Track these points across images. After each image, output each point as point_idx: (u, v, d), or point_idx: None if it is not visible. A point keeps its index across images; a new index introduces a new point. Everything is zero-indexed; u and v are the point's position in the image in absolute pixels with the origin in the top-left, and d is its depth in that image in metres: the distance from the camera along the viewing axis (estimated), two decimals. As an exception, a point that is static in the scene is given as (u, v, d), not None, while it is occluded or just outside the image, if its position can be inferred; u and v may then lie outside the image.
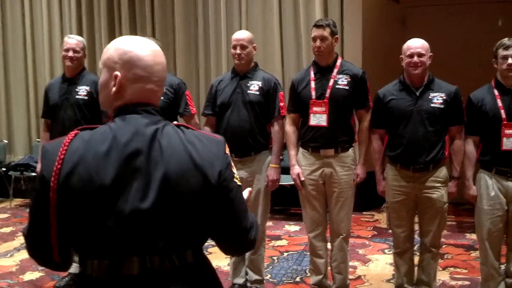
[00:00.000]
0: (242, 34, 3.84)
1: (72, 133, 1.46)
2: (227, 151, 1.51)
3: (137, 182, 1.40)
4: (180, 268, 1.45)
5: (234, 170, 1.52)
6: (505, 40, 3.32)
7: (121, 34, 7.04)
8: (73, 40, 4.13)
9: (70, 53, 4.06)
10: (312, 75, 3.68)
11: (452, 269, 4.40)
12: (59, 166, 1.40)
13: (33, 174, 6.92)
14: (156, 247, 1.42)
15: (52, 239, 1.43)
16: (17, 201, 7.41)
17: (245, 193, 1.62)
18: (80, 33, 7.15)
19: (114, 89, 1.49)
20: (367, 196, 5.67)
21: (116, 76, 1.48)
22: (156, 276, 1.43)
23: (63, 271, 1.51)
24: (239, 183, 1.52)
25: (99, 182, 1.38)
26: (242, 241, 1.57)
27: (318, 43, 3.59)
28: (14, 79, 7.75)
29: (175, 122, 1.56)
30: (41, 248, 1.47)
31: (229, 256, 3.89)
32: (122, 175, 1.39)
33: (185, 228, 1.45)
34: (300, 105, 3.70)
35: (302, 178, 3.66)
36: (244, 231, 1.54)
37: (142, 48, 1.50)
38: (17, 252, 5.14)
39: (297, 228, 5.73)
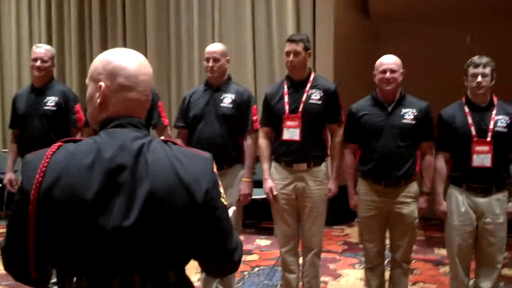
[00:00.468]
0: (215, 47, 3.82)
1: (56, 145, 1.42)
2: (215, 169, 1.48)
3: (120, 198, 1.36)
4: (163, 287, 1.42)
5: (221, 189, 1.49)
6: (475, 58, 3.37)
7: (91, 44, 6.98)
8: (41, 49, 4.05)
9: (38, 63, 3.99)
10: (286, 89, 3.69)
11: (421, 284, 4.42)
12: (40, 178, 1.36)
13: (-1, 185, 6.75)
14: (137, 266, 1.39)
15: (29, 253, 1.39)
16: (-19, 213, 7.21)
17: (230, 212, 1.58)
18: (49, 43, 7.04)
19: (98, 100, 1.46)
20: (337, 210, 5.67)
21: (100, 87, 1.46)
22: None
23: None
24: (225, 202, 1.49)
25: (81, 196, 1.34)
26: (226, 262, 1.52)
27: (291, 57, 3.60)
28: (-21, 88, 7.58)
29: (162, 138, 1.53)
30: (17, 262, 1.43)
31: (199, 271, 3.83)
32: (105, 191, 1.35)
33: (169, 247, 1.41)
34: (273, 119, 3.70)
35: (275, 193, 3.65)
36: (229, 252, 1.50)
37: (127, 58, 1.48)
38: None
39: (268, 242, 5.71)
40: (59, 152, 1.40)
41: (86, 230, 1.35)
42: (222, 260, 1.51)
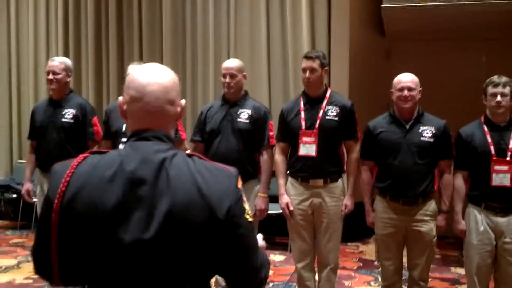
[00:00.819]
0: (232, 63, 3.86)
1: (82, 156, 1.44)
2: (240, 184, 1.45)
3: (140, 211, 1.35)
4: None
5: (246, 206, 1.45)
6: (495, 78, 3.38)
7: (107, 59, 7.04)
8: (54, 62, 4.11)
9: (50, 75, 4.05)
10: (302, 105, 3.71)
11: (438, 303, 4.39)
12: (63, 188, 1.38)
13: (14, 195, 6.81)
14: (156, 280, 1.37)
15: (52, 260, 1.40)
16: (-4, 223, 7.27)
17: (259, 238, 1.57)
18: (66, 55, 7.10)
19: (121, 115, 1.51)
20: (352, 227, 5.66)
21: (119, 102, 1.50)
22: None
23: None
24: (250, 219, 1.45)
25: (101, 208, 1.35)
26: (250, 279, 1.50)
27: (307, 74, 3.62)
28: (-3, 100, 7.66)
29: (188, 152, 1.52)
30: (43, 267, 1.45)
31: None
32: (125, 203, 1.35)
33: (189, 262, 1.38)
34: (289, 134, 3.71)
35: (291, 208, 3.65)
36: (253, 270, 1.47)
37: (142, 70, 1.48)
38: (-5, 277, 5.01)
39: (282, 258, 5.69)
40: (84, 163, 1.42)
41: (105, 242, 1.36)
42: (247, 277, 1.48)
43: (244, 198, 1.46)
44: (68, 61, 4.18)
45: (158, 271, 1.37)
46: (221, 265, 1.44)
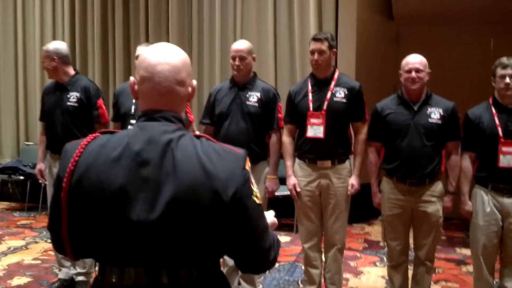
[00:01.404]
0: (241, 45, 3.81)
1: (92, 136, 1.45)
2: (248, 166, 1.43)
3: (145, 192, 1.35)
4: (190, 282, 1.41)
5: (254, 187, 1.43)
6: (504, 59, 3.37)
7: (114, 43, 7.05)
8: (44, 47, 4.15)
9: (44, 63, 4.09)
10: (310, 87, 3.70)
11: (443, 283, 4.43)
12: (72, 167, 1.39)
13: (21, 177, 6.86)
14: (162, 260, 1.38)
15: (63, 235, 1.43)
16: (4, 204, 7.33)
17: (270, 215, 1.56)
18: (72, 39, 7.15)
19: (132, 96, 1.51)
20: (357, 208, 5.70)
21: (130, 83, 1.50)
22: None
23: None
24: (258, 202, 1.43)
25: (107, 188, 1.36)
26: (259, 261, 1.49)
27: (316, 56, 3.61)
28: (3, 83, 7.68)
29: (196, 133, 1.51)
30: (57, 241, 1.49)
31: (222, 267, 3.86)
32: (130, 184, 1.36)
33: (195, 243, 1.38)
34: (297, 116, 3.72)
35: (298, 189, 3.68)
36: (262, 252, 1.46)
37: (153, 49, 1.47)
38: (5, 257, 5.06)
39: (287, 239, 5.74)
40: (94, 142, 1.42)
41: (111, 221, 1.37)
42: (256, 259, 1.48)
43: (253, 180, 1.44)
44: (52, 46, 4.11)
45: (163, 251, 1.38)
46: (229, 247, 1.44)
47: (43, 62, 4.11)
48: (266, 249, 1.46)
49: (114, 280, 1.41)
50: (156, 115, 1.43)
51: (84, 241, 1.44)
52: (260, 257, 1.47)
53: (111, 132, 1.47)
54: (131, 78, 1.51)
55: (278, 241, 1.53)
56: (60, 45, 4.15)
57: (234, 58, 3.75)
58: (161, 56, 1.45)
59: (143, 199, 1.35)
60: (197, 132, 1.52)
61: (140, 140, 1.39)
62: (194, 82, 1.52)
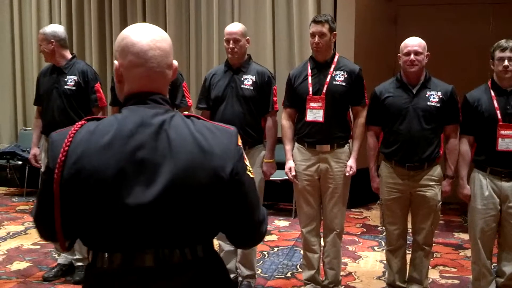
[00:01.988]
0: (235, 27, 3.78)
1: (79, 124, 1.42)
2: (240, 142, 1.45)
3: (142, 175, 1.35)
4: (190, 262, 1.41)
5: (247, 162, 1.47)
6: (502, 42, 3.33)
7: (111, 26, 6.99)
8: (41, 30, 4.12)
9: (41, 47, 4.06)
10: (309, 70, 3.67)
11: (441, 267, 4.43)
12: (63, 158, 1.37)
13: (19, 162, 6.85)
14: (163, 240, 1.38)
15: (56, 228, 1.41)
16: (3, 189, 7.33)
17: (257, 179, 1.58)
18: (69, 22, 7.09)
19: (115, 78, 1.49)
20: (355, 193, 5.68)
21: (116, 66, 1.47)
22: (165, 269, 1.39)
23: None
24: (252, 175, 1.47)
25: (102, 175, 1.34)
26: (253, 234, 1.52)
27: (316, 39, 3.57)
28: (0, 67, 7.61)
29: (185, 113, 1.51)
30: (48, 233, 1.47)
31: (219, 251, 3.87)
32: (126, 168, 1.35)
33: (195, 222, 1.40)
34: (296, 100, 3.69)
35: (294, 173, 3.66)
36: (256, 224, 1.50)
37: (140, 32, 1.44)
38: (4, 242, 5.07)
39: (286, 223, 5.74)
40: (81, 130, 1.40)
41: (110, 208, 1.35)
42: (250, 232, 1.51)
43: (245, 155, 1.46)
44: (49, 29, 4.08)
45: (164, 231, 1.38)
46: (225, 222, 1.46)
47: (40, 45, 4.09)
48: (260, 221, 1.50)
49: (106, 265, 1.41)
50: (143, 98, 1.43)
51: (78, 230, 1.44)
52: (254, 230, 1.51)
53: (98, 119, 1.45)
54: (116, 62, 1.47)
55: (267, 214, 1.57)
56: (57, 28, 4.13)
57: (228, 41, 3.72)
58: (151, 40, 1.43)
59: (141, 182, 1.34)
60: (186, 112, 1.51)
61: (131, 123, 1.38)
62: (175, 62, 1.51)
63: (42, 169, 4.27)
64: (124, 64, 1.44)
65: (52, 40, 4.00)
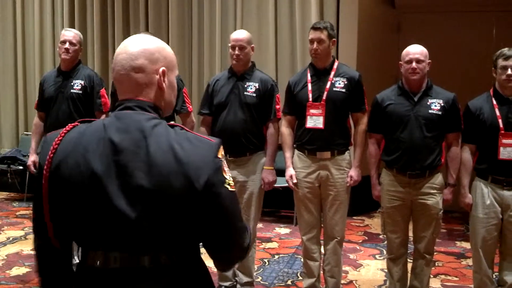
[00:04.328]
0: (241, 34, 3.78)
1: (71, 125, 1.49)
2: (220, 154, 1.45)
3: (120, 179, 1.39)
4: (165, 268, 1.43)
5: (227, 175, 1.45)
6: (505, 50, 3.32)
7: (113, 31, 6.99)
8: (70, 32, 4.12)
9: (67, 45, 4.03)
10: (309, 77, 3.67)
11: (443, 276, 4.40)
12: (51, 155, 1.44)
13: (20, 167, 6.85)
14: (137, 244, 1.41)
15: (47, 224, 1.47)
16: (3, 194, 7.31)
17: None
18: (71, 26, 7.05)
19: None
20: (357, 201, 5.66)
21: None
22: (136, 273, 1.42)
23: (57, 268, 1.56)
24: (231, 189, 1.46)
25: (84, 175, 1.40)
26: (233, 250, 1.51)
27: (315, 45, 3.58)
28: (2, 72, 7.63)
29: (171, 122, 1.53)
30: (40, 231, 1.52)
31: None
32: (106, 171, 1.39)
33: (169, 229, 1.41)
34: (296, 107, 3.68)
35: (295, 180, 3.64)
36: (235, 239, 1.49)
37: (127, 41, 1.52)
38: (4, 247, 5.05)
39: (287, 230, 5.71)
40: (72, 131, 1.47)
41: (89, 207, 1.40)
42: (230, 247, 1.50)
43: (226, 168, 1.46)
44: (81, 35, 4.24)
45: (138, 236, 1.40)
46: (204, 234, 1.46)
47: (74, 44, 4.07)
48: (238, 236, 1.49)
49: (98, 264, 1.44)
50: (130, 104, 1.47)
51: (66, 227, 1.48)
52: (233, 245, 1.50)
53: (89, 121, 1.50)
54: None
55: (249, 229, 1.56)
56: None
57: (233, 48, 3.72)
58: (126, 45, 1.50)
59: (117, 186, 1.39)
60: (172, 122, 1.53)
61: (116, 129, 1.42)
62: (162, 68, 1.50)
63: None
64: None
65: (81, 46, 4.10)
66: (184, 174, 1.38)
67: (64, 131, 1.46)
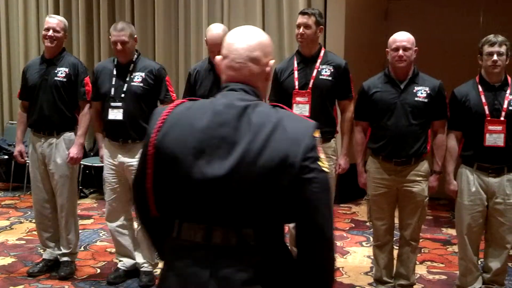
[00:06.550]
0: (216, 33, 3.72)
1: (179, 101, 1.62)
2: (317, 134, 1.51)
3: (221, 150, 1.46)
4: (254, 247, 1.47)
5: (322, 155, 1.49)
6: (491, 37, 3.32)
7: (99, 18, 6.91)
8: (54, 19, 4.03)
9: (50, 32, 3.95)
10: (296, 64, 3.66)
11: (429, 263, 4.43)
12: (160, 124, 1.54)
13: (5, 157, 6.77)
14: (228, 216, 1.47)
15: (147, 189, 1.58)
16: (-11, 184, 7.26)
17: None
18: (56, 14, 6.98)
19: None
20: (344, 189, 5.68)
21: (218, 60, 1.64)
22: (222, 250, 1.47)
23: (157, 239, 1.70)
24: (324, 168, 1.47)
25: (187, 145, 1.49)
26: (316, 233, 1.47)
27: (301, 30, 3.58)
28: (-14, 61, 7.53)
29: (272, 103, 1.62)
30: (140, 196, 1.62)
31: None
32: (208, 141, 1.48)
33: (260, 203, 1.46)
34: (282, 94, 3.66)
35: None
36: (322, 222, 1.46)
37: (234, 31, 1.62)
38: (-12, 237, 5.02)
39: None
40: (181, 105, 1.58)
41: (188, 177, 1.48)
42: (313, 231, 1.47)
43: (320, 148, 1.50)
44: (66, 21, 4.14)
45: (229, 207, 1.47)
46: (289, 211, 1.47)
47: (58, 32, 3.99)
48: (327, 221, 1.48)
49: (198, 238, 1.50)
50: (235, 86, 1.57)
51: (164, 196, 1.57)
52: (319, 231, 1.47)
53: (196, 100, 1.62)
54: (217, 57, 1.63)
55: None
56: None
57: (212, 52, 3.69)
58: (239, 36, 1.60)
59: (218, 156, 1.46)
60: (273, 102, 1.68)
61: (221, 104, 1.52)
62: (272, 61, 1.62)
63: (29, 164, 4.19)
64: (222, 56, 1.61)
65: (66, 33, 4.02)
66: (284, 147, 1.44)
67: (174, 105, 1.58)
